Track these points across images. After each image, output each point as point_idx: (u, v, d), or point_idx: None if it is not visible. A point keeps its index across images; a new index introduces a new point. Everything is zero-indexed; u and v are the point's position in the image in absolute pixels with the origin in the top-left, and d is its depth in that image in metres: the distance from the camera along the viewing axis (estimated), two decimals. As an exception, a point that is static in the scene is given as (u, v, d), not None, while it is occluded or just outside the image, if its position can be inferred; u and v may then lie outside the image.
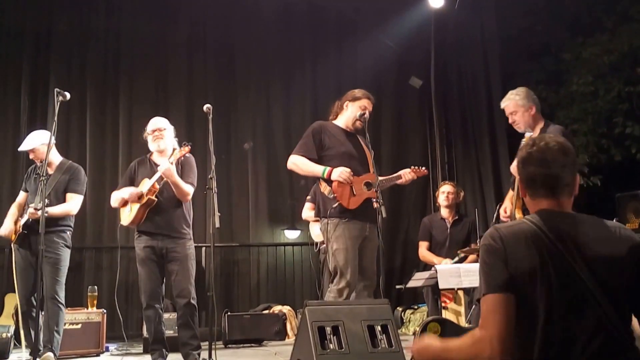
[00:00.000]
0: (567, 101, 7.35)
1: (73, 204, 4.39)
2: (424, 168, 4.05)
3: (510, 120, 3.94)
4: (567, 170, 1.74)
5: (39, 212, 4.00)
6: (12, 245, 4.38)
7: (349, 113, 3.90)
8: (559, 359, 1.60)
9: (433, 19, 7.38)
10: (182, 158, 4.11)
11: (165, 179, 4.05)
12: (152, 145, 4.28)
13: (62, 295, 4.27)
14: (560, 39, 7.53)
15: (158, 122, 4.32)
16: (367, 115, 3.88)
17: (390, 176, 3.99)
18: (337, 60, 7.61)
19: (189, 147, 4.09)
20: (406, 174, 3.95)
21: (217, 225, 3.72)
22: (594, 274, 1.61)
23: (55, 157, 4.48)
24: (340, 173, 3.67)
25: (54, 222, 4.24)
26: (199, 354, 4.05)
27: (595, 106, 7.10)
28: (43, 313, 4.25)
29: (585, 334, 1.59)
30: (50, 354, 4.13)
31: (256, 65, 7.42)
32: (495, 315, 1.62)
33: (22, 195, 4.54)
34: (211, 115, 4.05)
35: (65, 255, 4.33)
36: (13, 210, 4.49)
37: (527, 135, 3.81)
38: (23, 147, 4.45)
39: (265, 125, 7.44)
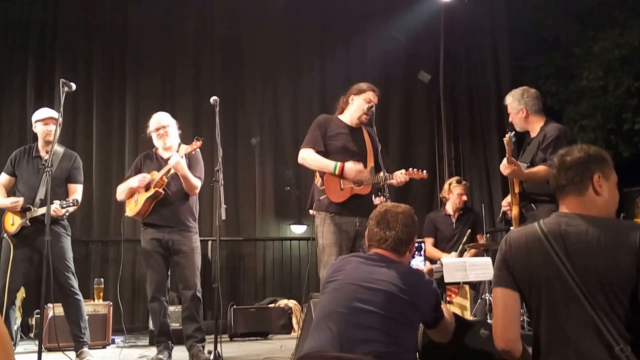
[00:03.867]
0: (577, 96, 7.29)
1: (79, 195, 4.27)
2: (424, 171, 3.79)
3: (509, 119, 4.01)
4: (570, 173, 1.83)
5: (63, 210, 3.97)
6: (4, 235, 4.10)
7: (355, 106, 3.83)
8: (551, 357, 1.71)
9: (442, 12, 7.32)
10: (193, 152, 4.10)
11: (173, 172, 4.05)
12: (157, 143, 4.27)
13: (76, 286, 4.16)
14: (571, 33, 7.45)
15: (161, 120, 4.28)
16: (373, 108, 3.80)
17: (380, 176, 3.69)
18: (345, 54, 7.56)
19: (201, 141, 4.06)
20: (398, 176, 3.68)
21: (224, 217, 3.71)
22: (579, 273, 1.67)
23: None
24: (357, 174, 3.60)
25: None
26: (203, 347, 4.06)
27: (605, 102, 7.04)
28: (63, 307, 4.19)
29: (575, 334, 1.66)
30: (85, 348, 4.12)
31: (264, 59, 7.37)
32: (495, 308, 1.86)
33: (4, 178, 4.24)
34: (218, 108, 4.03)
35: (69, 245, 4.22)
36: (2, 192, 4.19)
37: (509, 134, 3.82)
38: (48, 114, 4.19)
39: (273, 120, 7.41)
